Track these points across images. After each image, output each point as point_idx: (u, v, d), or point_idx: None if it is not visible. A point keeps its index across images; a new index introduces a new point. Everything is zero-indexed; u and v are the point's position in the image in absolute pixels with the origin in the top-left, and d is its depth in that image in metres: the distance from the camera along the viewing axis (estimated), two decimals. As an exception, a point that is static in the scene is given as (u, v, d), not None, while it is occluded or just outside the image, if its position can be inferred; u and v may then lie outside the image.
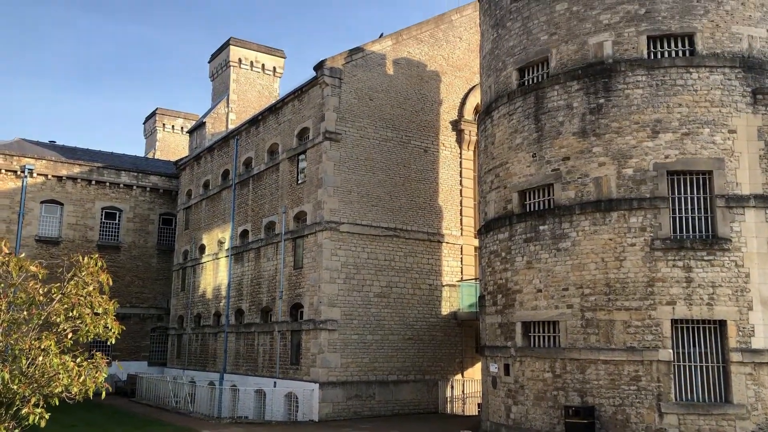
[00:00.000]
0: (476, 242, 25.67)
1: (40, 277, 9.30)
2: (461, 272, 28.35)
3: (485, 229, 20.50)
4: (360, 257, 25.78)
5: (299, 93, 28.10)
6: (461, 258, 28.46)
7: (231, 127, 39.96)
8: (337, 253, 25.27)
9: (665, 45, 17.57)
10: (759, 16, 17.55)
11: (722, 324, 15.83)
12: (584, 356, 16.74)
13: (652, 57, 17.49)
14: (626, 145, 17.04)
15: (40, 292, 9.08)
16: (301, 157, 27.57)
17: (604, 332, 16.52)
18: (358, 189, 26.14)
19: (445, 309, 27.71)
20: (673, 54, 17.46)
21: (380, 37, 28.37)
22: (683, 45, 17.47)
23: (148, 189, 40.56)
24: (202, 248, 36.02)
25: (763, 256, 15.94)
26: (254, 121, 32.07)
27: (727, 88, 16.84)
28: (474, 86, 29.02)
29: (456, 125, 29.13)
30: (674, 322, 16.02)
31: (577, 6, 18.45)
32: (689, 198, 16.70)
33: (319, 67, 26.27)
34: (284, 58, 45.87)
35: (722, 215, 16.22)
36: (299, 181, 27.52)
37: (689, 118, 16.76)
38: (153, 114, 58.65)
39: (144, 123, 61.41)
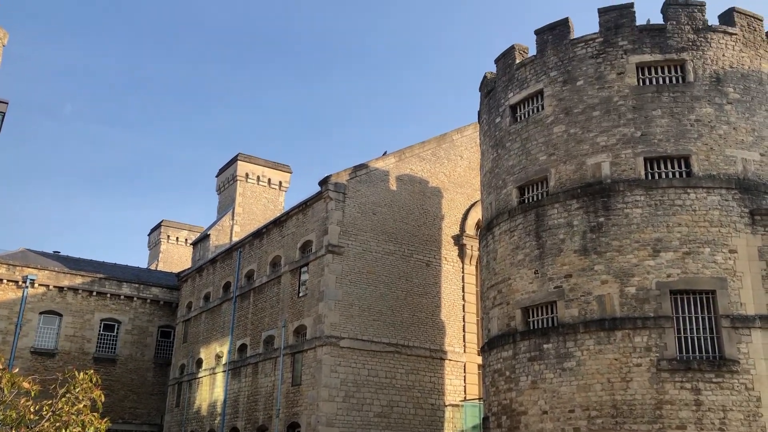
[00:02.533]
0: (480, 360, 25.16)
1: (33, 394, 9.06)
2: (464, 391, 27.57)
3: (488, 346, 20.17)
4: (360, 374, 25.20)
5: (304, 207, 28.57)
6: (464, 376, 27.79)
7: (235, 239, 40.31)
8: (337, 369, 24.73)
9: (662, 166, 18.03)
10: (751, 141, 18.12)
11: (736, 451, 15.22)
12: (594, 484, 15.96)
13: (650, 177, 17.90)
14: (628, 263, 17.09)
15: (31, 410, 8.81)
16: (303, 269, 27.61)
17: (613, 458, 15.85)
18: (360, 303, 25.98)
19: (449, 431, 26.71)
20: (670, 175, 17.88)
21: (384, 154, 29.21)
22: (680, 166, 17.93)
23: (148, 300, 40.31)
24: (199, 362, 35.31)
25: (773, 379, 15.56)
26: (258, 234, 32.39)
27: (725, 208, 17.11)
28: (475, 202, 29.52)
29: (458, 240, 29.37)
30: (687, 447, 15.42)
31: (574, 128, 19.11)
32: (693, 317, 16.55)
33: (324, 182, 26.87)
34: (290, 173, 47.06)
35: (728, 336, 15.99)
36: (300, 294, 27.40)
37: (689, 238, 16.91)
38: (158, 225, 59.38)
39: (149, 234, 62.06)
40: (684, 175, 17.76)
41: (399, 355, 26.24)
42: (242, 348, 31.25)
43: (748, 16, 19.48)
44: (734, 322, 16.05)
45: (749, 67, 18.83)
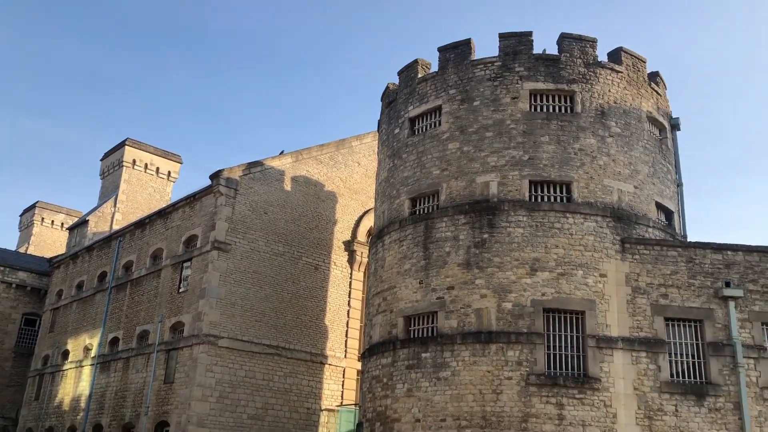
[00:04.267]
0: (360, 365, 25.29)
1: None
2: (342, 396, 27.62)
3: (369, 352, 20.30)
4: (237, 375, 24.67)
5: (192, 200, 27.69)
6: (343, 381, 27.84)
7: (116, 227, 38.45)
8: (213, 369, 24.09)
9: (545, 190, 18.89)
10: (627, 173, 19.35)
11: (591, 464, 16.10)
12: (458, 492, 16.38)
13: (533, 200, 18.70)
14: (507, 279, 17.75)
15: None
16: (186, 264, 26.73)
17: (479, 467, 16.34)
18: (243, 302, 25.45)
19: (322, 435, 26.64)
20: (552, 199, 18.76)
21: (281, 153, 28.87)
22: (561, 192, 18.85)
23: (13, 285, 37.66)
24: (65, 354, 33.30)
25: (629, 397, 16.60)
26: (141, 224, 31.06)
27: (599, 234, 18.14)
28: (369, 210, 29.74)
29: (349, 246, 29.46)
30: (546, 459, 16.14)
31: (467, 147, 19.67)
32: (563, 336, 17.38)
33: (215, 176, 26.17)
34: (180, 163, 45.53)
35: (593, 355, 16.93)
36: (180, 290, 26.51)
37: (565, 260, 17.79)
38: (32, 207, 55.59)
39: (21, 215, 57.98)
40: (565, 200, 18.68)
41: (279, 357, 25.92)
42: (114, 341, 29.80)
43: (634, 56, 20.85)
44: (599, 342, 17.01)
45: (631, 105, 20.14)
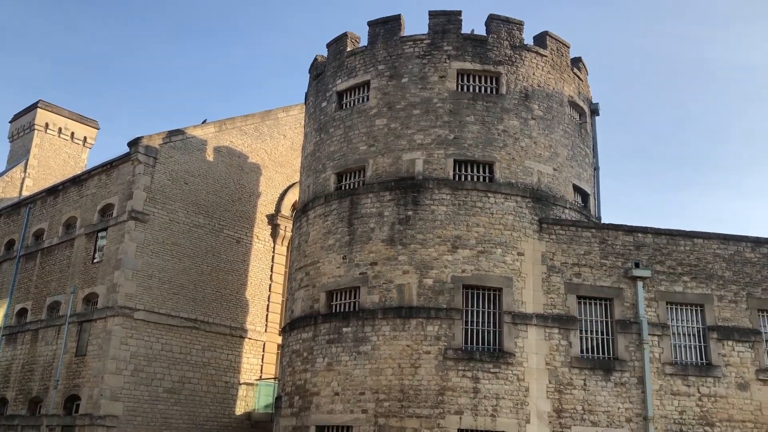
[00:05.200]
0: (280, 340, 25.18)
1: None
2: (261, 370, 27.46)
3: (290, 327, 20.23)
4: (153, 348, 24.09)
5: (109, 167, 26.63)
6: (263, 356, 27.65)
7: (26, 194, 36.57)
8: (128, 342, 23.43)
9: (469, 169, 19.19)
10: (547, 156, 19.89)
11: (503, 435, 16.67)
12: (375, 464, 16.65)
13: (457, 179, 18.97)
14: (429, 256, 18.01)
15: None
16: (101, 234, 25.77)
17: (395, 439, 16.64)
18: (161, 275, 24.80)
19: (240, 409, 26.45)
20: (475, 178, 19.08)
21: (203, 122, 28.10)
22: (484, 171, 19.20)
23: None
24: (-33, 325, 31.58)
25: (541, 372, 17.24)
26: (53, 191, 29.66)
27: (519, 214, 18.63)
28: (294, 183, 29.43)
29: (272, 219, 29.10)
30: (461, 431, 16.59)
31: (394, 124, 19.71)
32: (481, 312, 17.83)
33: (134, 143, 25.23)
34: (97, 129, 43.58)
35: (508, 330, 17.46)
36: (95, 260, 25.56)
37: (485, 238, 18.19)
38: (-68, 168, 52.07)
39: None
40: (487, 180, 19.05)
41: (197, 330, 25.47)
42: (22, 312, 28.50)
43: (558, 41, 21.35)
44: (515, 319, 17.54)
45: (554, 89, 20.66)
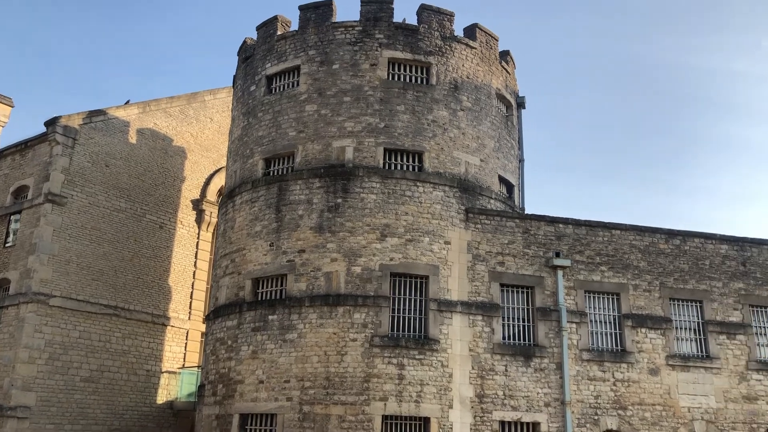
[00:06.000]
0: (204, 328, 24.71)
1: None
2: (184, 359, 26.89)
3: (214, 315, 19.87)
4: (70, 336, 23.20)
5: (23, 147, 25.36)
6: (186, 344, 27.07)
7: (-70, 173, 34.35)
8: (43, 329, 22.46)
9: (399, 158, 19.29)
10: (475, 147, 20.21)
11: (426, 421, 16.94)
12: (299, 451, 16.63)
13: (387, 167, 19.05)
14: (357, 244, 18.03)
15: None
16: (15, 217, 24.54)
17: (319, 427, 16.65)
18: (79, 260, 23.86)
19: (162, 398, 25.85)
20: (405, 167, 19.20)
21: (126, 103, 27.13)
22: (413, 161, 19.34)
23: None
24: None
25: (465, 358, 17.59)
26: (-39, 171, 27.98)
27: (446, 204, 18.88)
28: (220, 168, 28.84)
29: (197, 205, 28.44)
30: (385, 418, 16.77)
31: (325, 110, 19.58)
32: (408, 299, 18.01)
33: (51, 123, 24.10)
34: (11, 107, 41.29)
35: (434, 318, 17.72)
36: (7, 244, 24.33)
37: (413, 227, 18.35)
38: None
39: None
40: (416, 170, 19.21)
41: (117, 318, 24.68)
42: (-76, 299, 26.82)
43: (488, 34, 21.68)
44: (440, 306, 17.81)
45: (482, 81, 20.98)
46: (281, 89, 20.68)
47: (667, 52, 71.32)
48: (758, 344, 19.81)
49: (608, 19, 72.90)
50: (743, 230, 69.41)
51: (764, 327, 20.08)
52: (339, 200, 18.50)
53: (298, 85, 20.27)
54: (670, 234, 20.16)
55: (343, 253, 18.00)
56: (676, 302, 19.64)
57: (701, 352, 19.39)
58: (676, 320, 19.48)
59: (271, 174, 20.00)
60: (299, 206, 18.77)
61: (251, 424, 17.73)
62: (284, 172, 19.69)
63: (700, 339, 19.53)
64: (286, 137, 19.85)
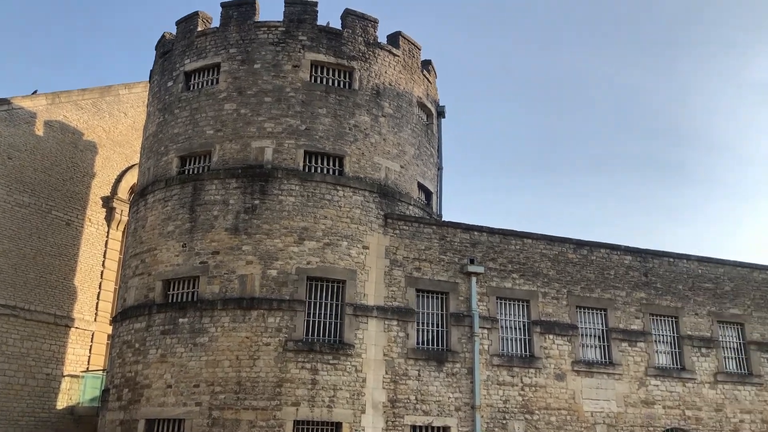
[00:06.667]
0: (111, 330, 23.73)
1: None
2: (88, 362, 25.73)
3: (121, 316, 19.12)
4: (-38, 337, 21.76)
5: None
6: (91, 346, 25.92)
7: None
8: (-69, 330, 20.98)
9: (319, 161, 19.20)
10: (395, 153, 20.38)
11: (339, 426, 16.88)
12: (207, 458, 16.21)
13: (307, 170, 18.91)
14: (274, 247, 17.80)
15: None
16: None
17: (229, 432, 16.29)
18: (-25, 257, 22.45)
19: (63, 403, 24.62)
20: (325, 171, 19.13)
21: (34, 93, 25.80)
22: (334, 165, 19.30)
23: None
24: None
25: (379, 363, 17.65)
26: None
27: (366, 209, 18.92)
28: (133, 165, 27.84)
29: (107, 202, 27.33)
30: (297, 423, 16.58)
31: (245, 109, 19.25)
32: (324, 303, 17.91)
33: (-52, 110, 22.62)
34: None
35: (349, 322, 17.69)
36: None
37: (332, 230, 18.29)
38: None
39: None
40: (336, 173, 19.17)
41: (15, 318, 23.37)
42: None
43: (411, 42, 21.93)
44: (356, 311, 17.81)
45: (404, 88, 21.19)
46: (200, 86, 20.20)
47: (583, 67, 74.34)
48: (657, 351, 20.84)
49: (529, 33, 75.30)
50: (644, 239, 73.05)
51: (663, 335, 21.16)
52: (256, 202, 18.21)
53: (217, 82, 19.85)
54: (579, 244, 20.95)
55: (259, 256, 17.71)
56: (582, 310, 20.40)
57: (604, 358, 20.21)
58: (581, 327, 20.24)
59: (187, 173, 19.48)
60: (215, 207, 18.36)
61: (158, 430, 17.14)
62: (200, 171, 19.22)
63: (603, 346, 20.36)
64: (203, 135, 19.39)
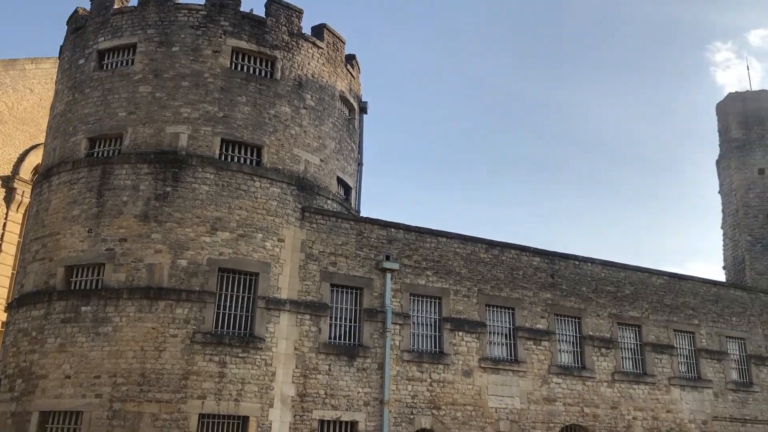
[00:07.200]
0: (5, 317, 22.44)
1: None
2: (-20, 350, 24.24)
3: (18, 303, 18.13)
4: None
5: None
6: (-17, 334, 24.44)
7: None
8: None
9: (236, 151, 18.81)
10: (316, 146, 20.24)
11: (245, 420, 16.62)
12: (106, 452, 15.62)
13: (223, 159, 18.49)
14: (185, 236, 17.32)
15: None
16: None
17: (130, 425, 15.73)
18: None
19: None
20: (242, 160, 18.76)
21: (-71, 62, 24.08)
22: (252, 155, 18.96)
23: None
24: None
25: (289, 357, 17.50)
26: None
27: (283, 201, 18.70)
28: (38, 144, 26.44)
29: (8, 182, 25.87)
30: (202, 416, 16.22)
31: (160, 93, 18.63)
32: (236, 296, 17.58)
33: None
34: None
35: (261, 316, 17.45)
36: None
37: (247, 222, 17.97)
38: None
39: None
40: (254, 164, 18.84)
41: None
42: None
43: (335, 36, 21.82)
44: (269, 304, 17.58)
45: (327, 81, 21.07)
46: (114, 66, 19.39)
47: (507, 77, 76.23)
48: (560, 350, 21.64)
49: (460, 39, 76.51)
50: (553, 243, 75.81)
51: (566, 335, 21.98)
52: (168, 189, 17.66)
53: (132, 63, 19.12)
54: (491, 244, 21.47)
55: (169, 245, 17.19)
56: (491, 308, 20.92)
57: (510, 356, 20.81)
58: (490, 325, 20.74)
59: (96, 155, 18.67)
60: (124, 192, 17.68)
61: (53, 423, 16.36)
62: (110, 155, 18.47)
63: (510, 344, 20.95)
64: (115, 117, 18.63)
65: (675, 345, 23.68)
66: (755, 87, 51.45)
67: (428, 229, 20.62)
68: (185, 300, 16.83)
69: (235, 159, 18.71)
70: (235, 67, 19.41)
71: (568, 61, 77.21)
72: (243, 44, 19.47)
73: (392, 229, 20.03)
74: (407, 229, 20.27)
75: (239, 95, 19.03)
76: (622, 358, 22.68)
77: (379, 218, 20.08)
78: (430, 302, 20.06)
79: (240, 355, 16.92)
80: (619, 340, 22.75)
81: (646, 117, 78.15)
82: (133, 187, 17.69)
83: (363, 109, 23.55)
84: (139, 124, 18.41)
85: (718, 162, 40.52)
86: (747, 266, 37.13)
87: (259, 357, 17.10)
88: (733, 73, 78.46)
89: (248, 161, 18.85)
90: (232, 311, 17.44)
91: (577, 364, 21.80)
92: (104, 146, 18.77)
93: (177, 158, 17.95)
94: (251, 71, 19.61)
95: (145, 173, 17.79)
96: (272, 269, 17.92)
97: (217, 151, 18.43)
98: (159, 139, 18.22)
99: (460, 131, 75.00)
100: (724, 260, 39.33)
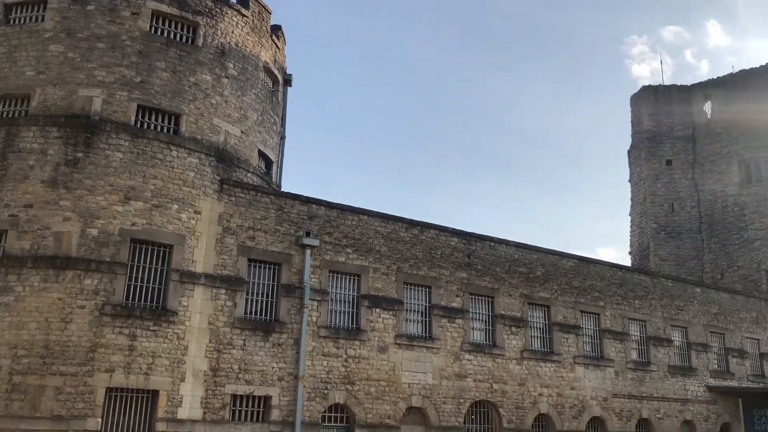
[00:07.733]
0: None
1: None
2: None
3: None
4: None
5: None
6: None
7: None
8: None
9: (153, 118, 18.18)
10: (237, 117, 19.80)
11: (155, 394, 16.29)
12: (3, 426, 14.96)
13: (139, 125, 17.84)
14: (96, 205, 16.66)
15: None
16: None
17: (31, 399, 15.13)
18: None
19: None
20: (159, 128, 18.16)
21: None
22: (169, 122, 18.37)
23: None
24: None
25: (203, 331, 17.22)
26: None
27: (201, 172, 18.25)
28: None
29: None
30: (110, 390, 15.79)
31: (73, 53, 17.73)
32: (149, 267, 17.10)
33: None
34: None
35: (174, 289, 17.06)
36: None
37: (162, 192, 17.46)
38: None
39: None
40: (171, 132, 18.27)
41: None
42: None
43: (261, 5, 21.31)
44: (183, 277, 17.20)
45: (251, 51, 20.59)
46: (22, 21, 18.30)
47: (442, 60, 76.67)
48: (473, 328, 22.23)
49: (398, 19, 76.19)
50: (471, 225, 77.46)
51: (479, 313, 22.58)
52: (79, 155, 16.91)
53: (43, 20, 18.10)
54: (411, 224, 21.71)
55: (78, 213, 16.50)
56: (409, 286, 21.21)
57: (425, 333, 21.22)
58: (407, 303, 21.04)
59: (1, 115, 17.62)
60: (31, 156, 16.80)
61: (-54, 397, 15.52)
62: (16, 115, 17.48)
63: (425, 321, 21.34)
64: (22, 76, 17.62)
65: (581, 325, 24.75)
66: (667, 81, 53.95)
67: (350, 206, 20.63)
68: (95, 270, 16.24)
69: (152, 126, 18.09)
70: (155, 31, 18.69)
71: (497, 48, 78.48)
72: (164, 8, 18.75)
73: (313, 205, 19.93)
74: (329, 205, 20.21)
75: (158, 60, 18.36)
76: (531, 336, 23.52)
77: (301, 194, 19.92)
78: (350, 279, 20.14)
79: (151, 328, 16.51)
80: (529, 320, 23.57)
81: (565, 106, 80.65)
82: (41, 151, 16.83)
83: (287, 82, 23.20)
84: (49, 85, 17.48)
85: (629, 152, 42.43)
86: (651, 252, 39.27)
87: (171, 331, 16.74)
88: (648, 67, 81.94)
89: (165, 129, 18.26)
90: (145, 283, 16.98)
91: (489, 341, 22.45)
92: (10, 106, 17.74)
93: (90, 123, 17.18)
94: (172, 36, 18.94)
95: (54, 137, 16.95)
96: (187, 242, 17.52)
97: (133, 118, 17.75)
98: (70, 102, 17.37)
99: (386, 110, 75.15)
100: (631, 246, 41.43)
